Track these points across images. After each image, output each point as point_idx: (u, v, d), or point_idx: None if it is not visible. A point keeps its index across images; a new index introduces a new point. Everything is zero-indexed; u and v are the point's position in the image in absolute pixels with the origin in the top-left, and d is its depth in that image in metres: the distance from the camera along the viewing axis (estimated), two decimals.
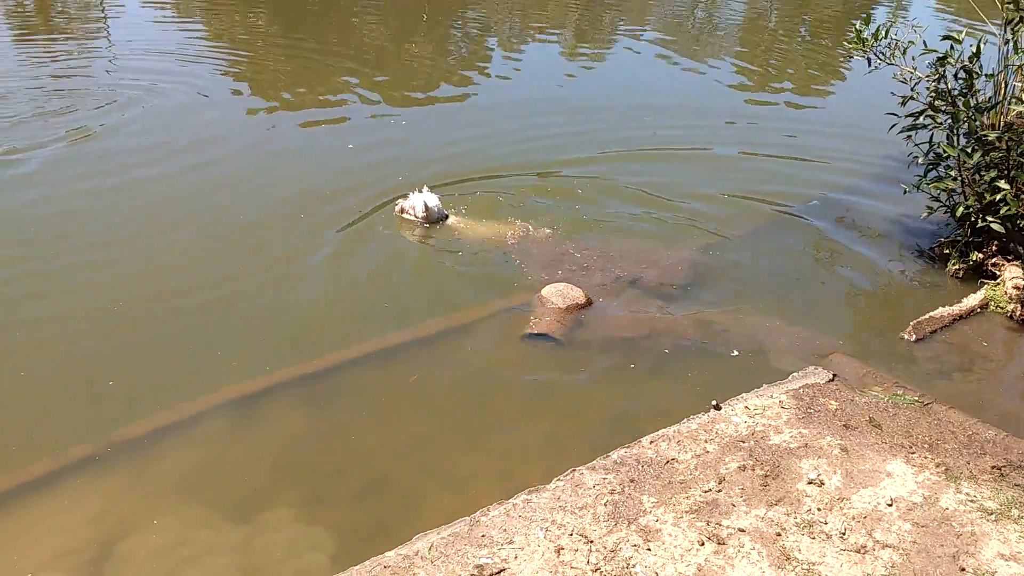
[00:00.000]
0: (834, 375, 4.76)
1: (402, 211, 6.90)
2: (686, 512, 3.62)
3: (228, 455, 4.37)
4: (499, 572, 3.32)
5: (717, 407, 4.39)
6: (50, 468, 4.24)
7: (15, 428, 4.51)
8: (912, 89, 6.23)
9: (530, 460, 4.31)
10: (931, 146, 6.34)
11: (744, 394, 4.55)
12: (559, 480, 3.86)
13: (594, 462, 3.97)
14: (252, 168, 7.94)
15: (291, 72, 10.92)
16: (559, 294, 5.64)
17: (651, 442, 4.11)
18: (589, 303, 5.62)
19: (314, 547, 3.84)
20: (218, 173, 7.79)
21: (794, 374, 4.79)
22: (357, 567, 3.39)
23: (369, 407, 4.73)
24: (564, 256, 6.34)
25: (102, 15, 13.68)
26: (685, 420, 4.30)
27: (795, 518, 3.63)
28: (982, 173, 6.16)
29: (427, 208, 6.74)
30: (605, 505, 3.66)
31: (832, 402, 4.49)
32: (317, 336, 5.35)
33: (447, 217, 6.90)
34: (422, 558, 3.41)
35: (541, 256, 6.35)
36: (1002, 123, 6.20)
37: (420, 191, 6.88)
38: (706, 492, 3.75)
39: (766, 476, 3.87)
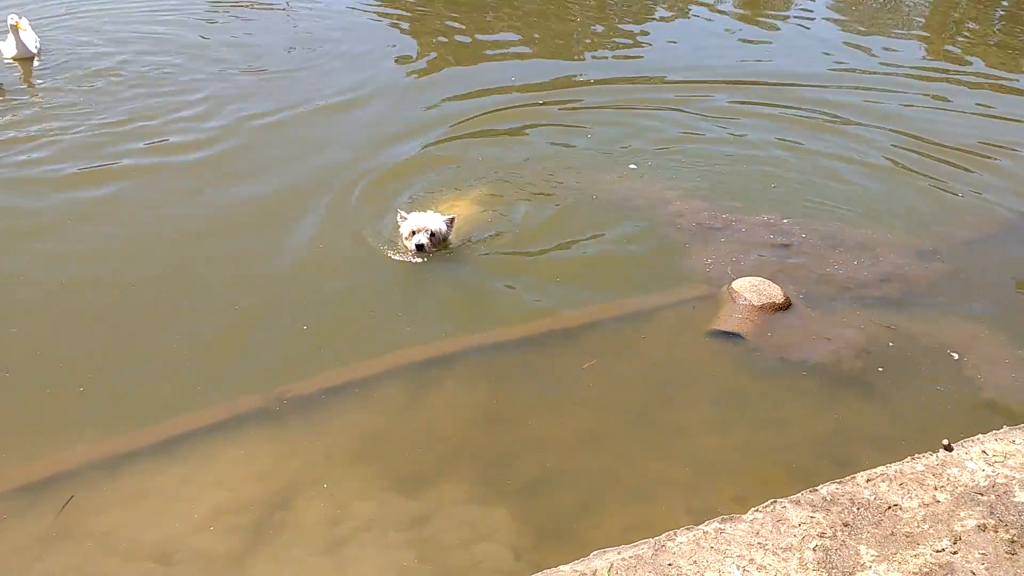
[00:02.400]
0: None
1: (409, 251, 5.50)
2: (914, 574, 3.07)
3: (400, 424, 4.19)
4: None
5: (948, 447, 3.75)
6: (227, 414, 4.20)
7: (201, 369, 4.53)
8: None
9: (720, 477, 3.87)
10: None
11: (981, 435, 3.87)
12: (757, 512, 3.39)
13: (799, 495, 3.46)
14: None
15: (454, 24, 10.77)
16: (754, 290, 5.08)
17: (868, 480, 3.55)
18: (788, 304, 5.03)
19: (488, 537, 3.58)
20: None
21: None
22: None
23: (544, 391, 4.42)
24: (748, 239, 5.75)
25: None
26: (909, 459, 3.69)
27: None
28: None
29: (433, 233, 5.48)
30: (814, 550, 3.17)
31: None
32: (493, 307, 5.08)
33: (449, 229, 5.61)
34: None
35: (722, 239, 5.79)
36: None
37: (404, 216, 5.58)
38: (938, 552, 3.17)
39: (1013, 542, 3.23)
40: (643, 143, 7.28)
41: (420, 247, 5.42)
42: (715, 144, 7.34)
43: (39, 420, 4.13)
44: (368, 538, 3.54)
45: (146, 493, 3.79)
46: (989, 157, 7.22)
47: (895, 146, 7.34)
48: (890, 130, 7.63)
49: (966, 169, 6.98)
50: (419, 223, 5.49)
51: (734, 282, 5.19)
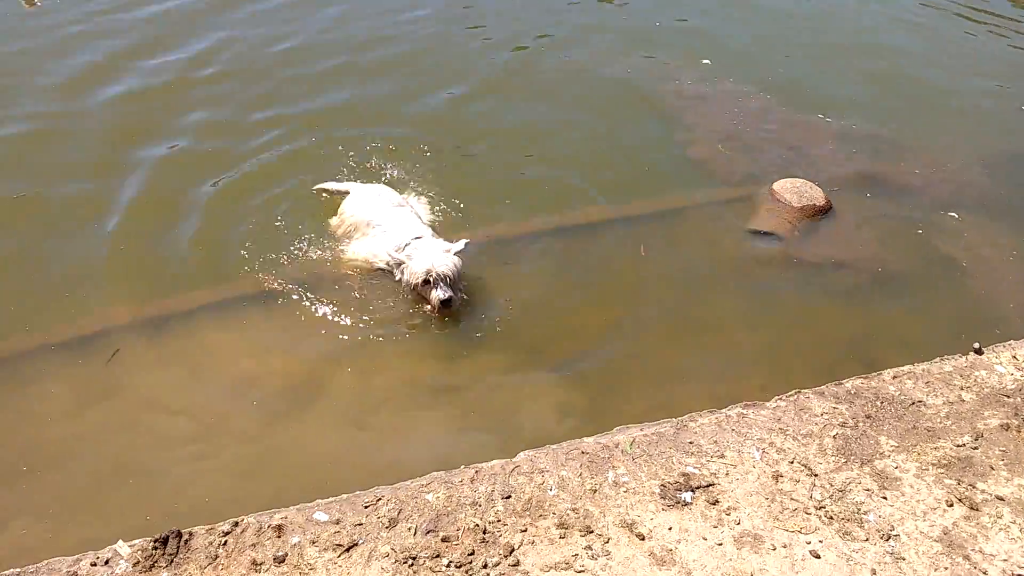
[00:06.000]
0: None
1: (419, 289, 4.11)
2: (933, 465, 3.12)
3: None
4: (708, 486, 3.01)
5: (979, 351, 3.74)
6: (265, 288, 4.30)
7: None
8: None
9: (746, 370, 3.91)
10: None
11: (1012, 341, 3.85)
12: (780, 400, 3.44)
13: (823, 387, 3.49)
14: None
15: None
16: (795, 191, 5.01)
17: (894, 377, 3.57)
18: (829, 207, 4.96)
19: (520, 410, 3.70)
20: None
21: None
22: (554, 446, 3.18)
23: (585, 277, 4.46)
24: (798, 142, 5.63)
25: None
26: (937, 359, 3.69)
27: None
28: None
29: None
30: (834, 438, 3.22)
31: None
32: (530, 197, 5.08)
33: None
34: (623, 452, 3.15)
35: (773, 138, 5.67)
36: None
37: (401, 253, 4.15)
38: (959, 447, 3.21)
39: None
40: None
41: (447, 303, 4.01)
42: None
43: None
44: (400, 405, 3.66)
45: (185, 355, 3.93)
46: None
47: None
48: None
49: None
50: (434, 262, 4.01)
51: (775, 183, 5.11)
